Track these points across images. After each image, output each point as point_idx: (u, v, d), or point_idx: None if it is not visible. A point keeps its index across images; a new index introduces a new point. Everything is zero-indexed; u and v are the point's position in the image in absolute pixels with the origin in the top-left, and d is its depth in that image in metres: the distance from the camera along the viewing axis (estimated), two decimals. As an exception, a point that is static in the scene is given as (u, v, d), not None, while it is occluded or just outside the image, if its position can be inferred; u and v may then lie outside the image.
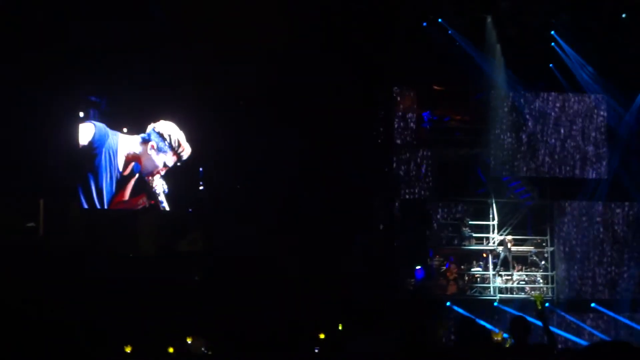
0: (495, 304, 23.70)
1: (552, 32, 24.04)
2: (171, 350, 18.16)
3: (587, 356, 4.53)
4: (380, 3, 22.72)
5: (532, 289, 24.17)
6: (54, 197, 22.13)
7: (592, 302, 24.14)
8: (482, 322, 20.67)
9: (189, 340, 19.38)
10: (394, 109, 24.17)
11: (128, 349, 17.42)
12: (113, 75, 22.11)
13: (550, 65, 24.45)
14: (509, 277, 24.24)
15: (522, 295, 23.86)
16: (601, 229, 24.63)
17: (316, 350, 18.11)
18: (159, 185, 22.73)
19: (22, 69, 21.04)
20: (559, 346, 19.01)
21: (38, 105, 21.50)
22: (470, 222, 24.24)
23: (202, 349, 19.26)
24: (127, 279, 21.50)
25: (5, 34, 21.01)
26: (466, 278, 24.35)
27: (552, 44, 24.18)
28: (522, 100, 24.66)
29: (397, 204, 24.01)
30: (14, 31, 21.15)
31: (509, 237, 24.10)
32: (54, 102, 21.76)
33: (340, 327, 9.87)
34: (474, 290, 24.17)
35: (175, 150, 22.80)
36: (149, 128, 22.81)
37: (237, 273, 21.95)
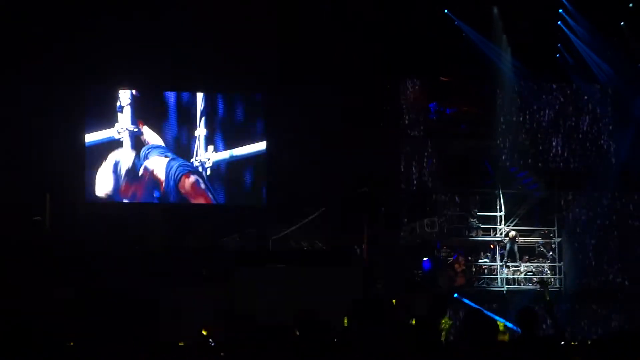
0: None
1: (559, 23, 23.96)
2: (205, 332, 18.08)
3: (599, 347, 4.49)
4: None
5: (539, 279, 24.10)
6: (60, 191, 22.13)
7: (600, 292, 24.05)
8: (489, 314, 20.59)
9: (204, 333, 19.33)
10: (400, 100, 24.12)
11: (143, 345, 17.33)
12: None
13: (557, 55, 24.37)
14: (517, 269, 24.17)
15: (530, 287, 23.78)
16: (609, 220, 24.53)
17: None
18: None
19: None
20: (567, 337, 18.95)
21: (44, 100, 21.53)
22: (477, 213, 24.18)
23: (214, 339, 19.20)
24: (134, 274, 21.46)
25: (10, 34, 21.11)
26: (473, 269, 24.29)
27: (560, 33, 24.11)
28: (529, 90, 24.56)
29: (404, 195, 23.96)
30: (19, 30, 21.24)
31: (512, 233, 23.89)
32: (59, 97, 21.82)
33: (345, 321, 9.81)
34: (482, 281, 24.12)
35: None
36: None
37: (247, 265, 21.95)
